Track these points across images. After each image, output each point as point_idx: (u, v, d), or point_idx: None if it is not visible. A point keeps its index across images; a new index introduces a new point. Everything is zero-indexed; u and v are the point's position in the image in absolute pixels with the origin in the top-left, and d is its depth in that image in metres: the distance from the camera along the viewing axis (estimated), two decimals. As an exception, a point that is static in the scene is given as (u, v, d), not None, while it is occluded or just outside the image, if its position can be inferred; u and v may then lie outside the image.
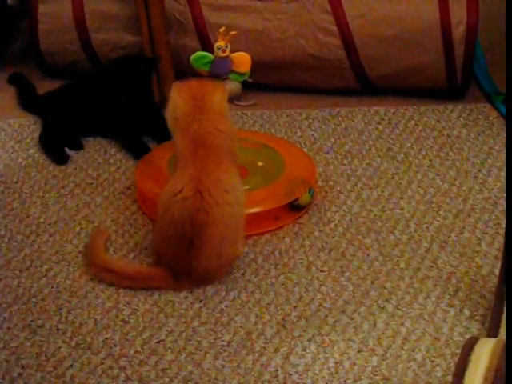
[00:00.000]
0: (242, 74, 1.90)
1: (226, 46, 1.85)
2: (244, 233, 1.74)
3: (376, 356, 1.54)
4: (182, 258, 1.67)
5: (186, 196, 1.65)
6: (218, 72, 1.88)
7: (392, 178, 2.05)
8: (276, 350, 1.55)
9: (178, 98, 1.70)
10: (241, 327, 1.61)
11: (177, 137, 1.73)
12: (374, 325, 1.61)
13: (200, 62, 1.87)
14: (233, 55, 1.87)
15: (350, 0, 2.32)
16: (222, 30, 1.85)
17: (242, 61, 1.88)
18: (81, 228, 1.90)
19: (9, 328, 1.61)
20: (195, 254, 1.66)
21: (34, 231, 1.89)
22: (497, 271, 1.71)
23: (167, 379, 1.50)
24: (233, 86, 2.34)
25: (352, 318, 1.63)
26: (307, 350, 1.55)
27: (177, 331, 1.60)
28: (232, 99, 2.37)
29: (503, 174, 2.04)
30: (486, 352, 1.25)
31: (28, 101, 2.40)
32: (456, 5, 2.27)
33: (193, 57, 1.87)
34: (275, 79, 2.44)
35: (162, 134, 1.96)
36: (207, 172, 1.66)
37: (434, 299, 1.67)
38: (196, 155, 1.68)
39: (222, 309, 1.65)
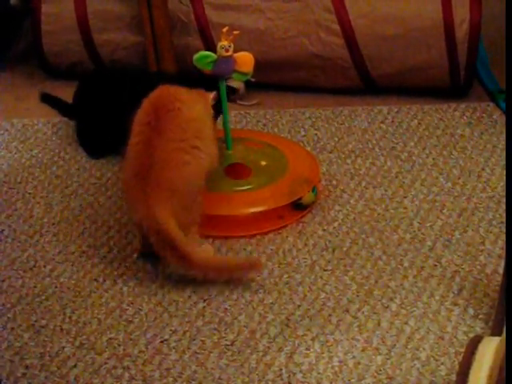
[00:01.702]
0: (244, 74, 1.90)
1: (230, 46, 1.84)
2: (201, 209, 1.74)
3: (380, 355, 1.53)
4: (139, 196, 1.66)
5: (136, 142, 1.69)
6: (221, 72, 1.87)
7: (396, 177, 2.05)
8: (280, 350, 1.55)
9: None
10: (244, 326, 1.61)
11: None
12: (378, 324, 1.61)
13: (203, 61, 1.86)
14: (236, 55, 1.86)
15: (352, -1, 2.32)
16: (225, 29, 1.84)
17: (245, 60, 1.88)
18: (84, 228, 1.90)
19: (13, 328, 1.62)
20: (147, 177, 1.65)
21: (37, 231, 1.89)
22: (501, 270, 1.71)
23: (171, 379, 1.50)
24: (236, 85, 2.35)
25: (356, 317, 1.62)
26: (311, 349, 1.55)
27: (180, 331, 1.60)
28: (235, 99, 2.38)
29: (507, 172, 2.04)
30: (490, 351, 1.25)
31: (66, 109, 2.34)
32: (459, 4, 2.26)
33: (195, 57, 1.86)
34: (278, 78, 2.44)
35: None
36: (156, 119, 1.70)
37: (437, 298, 1.66)
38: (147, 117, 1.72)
39: (226, 308, 1.65)
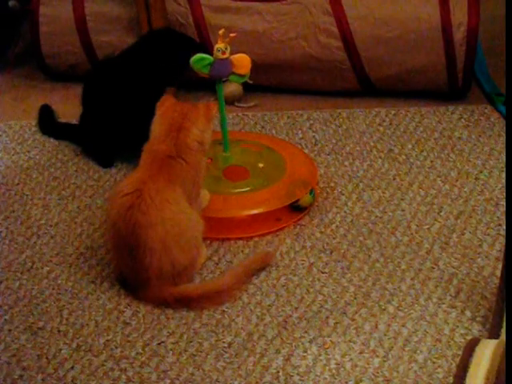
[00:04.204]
0: (242, 76, 1.90)
1: (226, 48, 1.84)
2: (201, 242, 1.73)
3: (377, 357, 1.53)
4: (126, 262, 1.65)
5: (125, 193, 1.65)
6: (218, 74, 1.87)
7: (393, 180, 2.05)
8: (277, 352, 1.55)
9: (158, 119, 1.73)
10: (242, 329, 1.61)
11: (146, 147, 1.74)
12: (376, 326, 1.61)
13: (200, 64, 1.86)
14: (233, 57, 1.86)
15: (350, 2, 2.32)
16: (221, 31, 1.84)
17: (242, 62, 1.88)
18: (82, 230, 1.90)
19: (10, 330, 1.62)
20: (136, 257, 1.63)
21: (35, 233, 1.89)
22: (498, 272, 1.71)
23: (168, 381, 1.50)
24: (233, 87, 2.35)
25: (353, 320, 1.62)
26: (308, 352, 1.55)
27: (178, 333, 1.60)
28: (233, 101, 2.38)
29: (504, 175, 2.04)
30: (487, 353, 1.25)
31: (48, 126, 2.31)
32: (457, 6, 2.27)
33: (193, 59, 1.87)
34: (276, 81, 2.44)
35: None
36: (154, 181, 1.66)
37: (435, 300, 1.66)
38: (152, 166, 1.69)
39: (223, 310, 1.65)
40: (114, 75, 2.10)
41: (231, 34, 1.84)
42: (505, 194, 1.97)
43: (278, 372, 1.51)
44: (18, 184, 2.07)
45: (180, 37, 2.14)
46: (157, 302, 1.65)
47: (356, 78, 2.38)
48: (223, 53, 1.85)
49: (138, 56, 2.10)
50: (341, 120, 2.32)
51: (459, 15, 2.26)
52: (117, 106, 2.08)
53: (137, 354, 1.56)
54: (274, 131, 2.28)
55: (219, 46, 1.84)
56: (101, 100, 2.10)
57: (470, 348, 1.27)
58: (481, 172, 2.07)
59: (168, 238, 1.63)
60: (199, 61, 1.87)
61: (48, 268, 1.78)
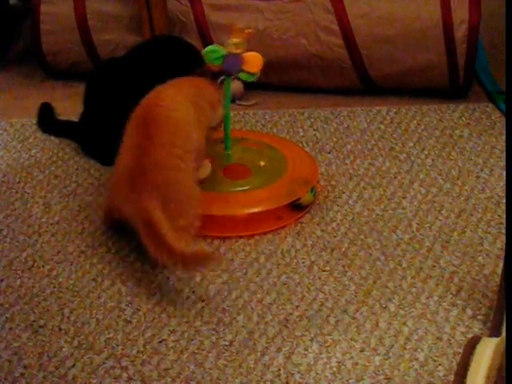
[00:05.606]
0: (252, 74, 1.88)
1: (241, 44, 1.82)
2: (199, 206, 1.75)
3: (378, 355, 1.53)
4: (129, 192, 1.67)
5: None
6: (230, 69, 1.85)
7: (394, 178, 2.05)
8: (278, 350, 1.55)
9: None
10: (243, 327, 1.61)
11: None
12: (377, 324, 1.61)
13: (212, 56, 1.85)
14: (245, 54, 1.85)
15: (351, -1, 2.32)
16: (237, 26, 1.82)
17: (254, 61, 1.86)
18: (83, 228, 1.90)
19: (11, 328, 1.62)
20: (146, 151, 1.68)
21: (36, 231, 1.89)
22: (499, 270, 1.71)
23: (169, 379, 1.50)
24: (235, 85, 2.35)
25: (354, 318, 1.62)
26: (309, 350, 1.55)
27: (179, 331, 1.60)
28: (234, 99, 2.38)
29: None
30: (488, 351, 1.25)
31: (48, 124, 2.32)
32: (458, 4, 2.27)
33: (205, 50, 1.85)
34: (277, 79, 2.44)
35: None
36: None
37: (436, 299, 1.67)
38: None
39: (224, 308, 1.65)
40: (117, 76, 2.11)
41: (247, 30, 1.82)
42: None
43: (279, 370, 1.51)
44: (18, 182, 2.07)
45: (184, 45, 2.14)
46: (140, 216, 1.66)
47: (357, 76, 2.38)
48: (237, 47, 1.83)
49: (142, 60, 2.10)
50: (342, 118, 2.32)
51: (460, 13, 2.27)
52: (119, 106, 2.08)
53: (138, 352, 1.56)
54: (274, 129, 2.28)
55: (235, 39, 1.82)
56: (103, 100, 2.10)
57: (471, 346, 1.27)
58: (482, 170, 2.08)
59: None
60: (212, 52, 1.85)
61: (49, 266, 1.78)
